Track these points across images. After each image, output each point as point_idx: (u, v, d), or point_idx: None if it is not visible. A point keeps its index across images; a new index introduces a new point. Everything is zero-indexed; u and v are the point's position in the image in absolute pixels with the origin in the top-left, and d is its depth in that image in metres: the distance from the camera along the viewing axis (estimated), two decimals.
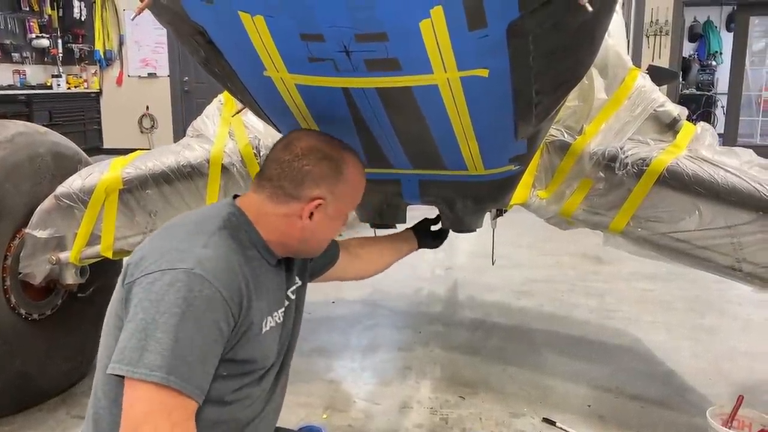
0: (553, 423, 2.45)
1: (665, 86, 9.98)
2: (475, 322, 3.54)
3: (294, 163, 1.40)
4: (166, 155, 2.55)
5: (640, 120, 2.35)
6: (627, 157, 2.28)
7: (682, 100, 11.89)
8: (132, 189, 2.46)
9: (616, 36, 2.43)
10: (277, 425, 1.70)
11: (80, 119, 10.52)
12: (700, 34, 13.46)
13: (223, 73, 1.51)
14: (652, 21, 9.97)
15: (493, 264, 3.19)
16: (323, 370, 2.94)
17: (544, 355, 3.11)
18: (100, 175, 2.46)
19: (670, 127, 2.37)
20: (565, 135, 2.40)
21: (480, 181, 2.01)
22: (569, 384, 2.79)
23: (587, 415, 2.52)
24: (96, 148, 10.34)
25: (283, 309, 1.49)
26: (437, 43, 1.21)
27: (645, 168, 2.25)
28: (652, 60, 9.84)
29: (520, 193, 2.49)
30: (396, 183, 2.07)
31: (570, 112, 2.41)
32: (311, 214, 1.41)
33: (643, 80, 2.40)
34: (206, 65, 1.53)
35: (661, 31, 9.91)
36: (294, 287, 1.58)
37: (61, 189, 2.43)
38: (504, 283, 4.19)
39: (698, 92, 12.65)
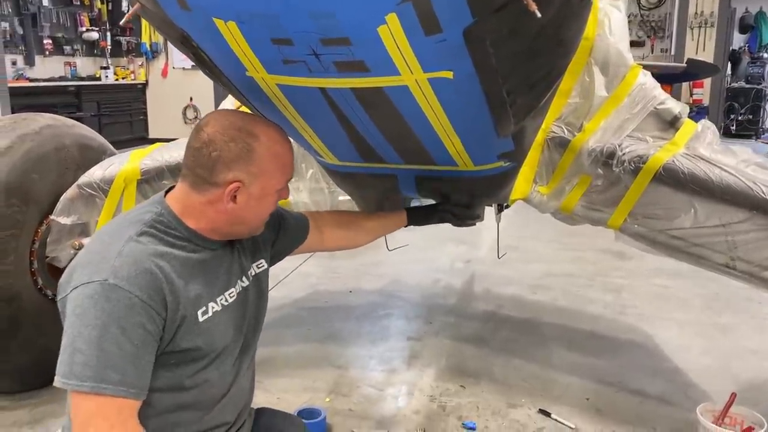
0: (548, 414, 2.50)
1: (707, 80, 9.75)
2: (487, 314, 3.59)
3: (203, 150, 1.41)
4: (182, 148, 2.67)
5: (640, 117, 2.37)
6: (624, 154, 2.30)
7: (730, 94, 11.59)
8: (149, 179, 2.60)
9: (617, 34, 2.44)
10: (264, 406, 1.81)
11: (127, 110, 10.88)
12: (751, 26, 13.05)
13: (213, 74, 1.61)
14: (696, 13, 9.75)
15: (499, 258, 3.23)
16: (333, 356, 3.04)
17: (551, 349, 3.15)
18: (120, 166, 2.61)
19: (671, 124, 2.38)
20: (565, 131, 2.44)
21: (472, 177, 2.06)
22: (572, 377, 2.83)
23: (585, 408, 2.56)
24: (142, 138, 10.70)
25: (233, 290, 1.53)
26: (398, 47, 1.28)
27: (642, 165, 2.27)
28: (696, 53, 9.63)
29: (521, 188, 2.54)
30: (392, 178, 2.13)
31: (571, 109, 2.45)
32: (234, 198, 1.41)
33: (644, 78, 2.41)
34: (200, 65, 1.64)
35: (705, 23, 9.69)
36: (251, 269, 1.62)
37: (83, 179, 2.58)
38: (522, 276, 4.22)
39: (747, 85, 12.29)
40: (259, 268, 1.66)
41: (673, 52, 10.39)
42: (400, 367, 2.94)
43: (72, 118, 3.15)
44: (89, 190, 2.58)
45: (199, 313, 1.42)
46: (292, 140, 2.41)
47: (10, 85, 8.10)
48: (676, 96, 9.66)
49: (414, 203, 2.50)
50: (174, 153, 2.65)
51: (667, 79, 7.34)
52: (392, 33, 1.23)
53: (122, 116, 10.72)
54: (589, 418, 2.49)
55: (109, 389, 1.24)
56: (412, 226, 2.22)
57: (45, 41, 9.70)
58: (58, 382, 1.26)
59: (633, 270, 4.35)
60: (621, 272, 4.33)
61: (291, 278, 4.00)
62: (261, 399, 2.60)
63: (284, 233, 1.81)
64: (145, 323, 1.29)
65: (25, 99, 8.24)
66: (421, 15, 1.19)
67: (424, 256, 4.57)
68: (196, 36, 1.42)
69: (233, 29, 1.30)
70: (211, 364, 1.46)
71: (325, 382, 2.77)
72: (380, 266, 4.33)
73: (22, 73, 9.12)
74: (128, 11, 1.50)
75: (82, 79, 10.20)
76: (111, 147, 2.98)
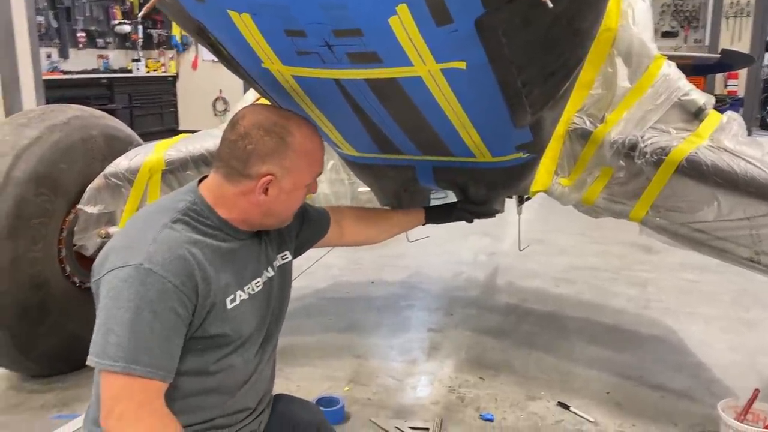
0: (567, 407, 2.49)
1: (742, 70, 9.52)
2: (509, 307, 3.58)
3: (238, 142, 1.44)
4: (206, 139, 2.72)
5: (663, 109, 2.34)
6: (646, 146, 2.28)
7: (767, 85, 11.30)
8: (173, 170, 2.65)
9: (641, 24, 2.40)
10: (282, 392, 1.84)
11: (158, 102, 11.03)
12: None
13: (231, 66, 1.64)
14: (732, 2, 9.52)
15: (520, 250, 3.22)
16: (353, 346, 3.06)
17: (573, 342, 3.12)
18: (145, 156, 2.65)
19: (696, 116, 2.35)
20: (587, 123, 2.42)
21: (491, 168, 2.06)
22: (593, 371, 2.81)
23: (604, 401, 2.55)
24: (172, 130, 10.84)
25: (260, 280, 1.56)
26: (410, 38, 1.28)
27: (664, 157, 2.24)
28: (731, 43, 9.42)
29: (542, 180, 2.52)
30: (410, 169, 2.14)
31: (593, 101, 2.43)
32: (266, 190, 1.45)
33: (668, 68, 2.38)
34: (218, 57, 1.66)
35: (741, 13, 9.46)
36: (276, 260, 1.65)
37: (109, 169, 2.64)
38: (546, 269, 4.19)
39: None
40: (284, 259, 1.69)
41: (707, 43, 10.17)
42: (420, 357, 2.96)
43: (104, 109, 3.22)
44: (115, 180, 2.63)
45: (228, 300, 1.46)
46: None
47: (44, 77, 8.29)
48: (710, 87, 9.46)
49: (435, 196, 2.51)
50: (197, 144, 2.69)
51: (701, 70, 7.18)
52: (403, 24, 1.24)
53: (153, 108, 10.87)
54: (609, 412, 2.47)
55: (139, 370, 1.28)
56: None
57: (79, 34, 9.89)
58: (90, 361, 1.30)
59: (659, 264, 4.29)
60: (647, 266, 4.28)
61: (314, 269, 4.03)
62: (281, 387, 2.64)
63: (307, 226, 1.84)
64: (177, 308, 1.33)
65: (59, 91, 8.41)
66: (432, 6, 1.19)
67: (447, 248, 4.57)
68: (212, 28, 1.44)
69: (247, 21, 1.32)
70: (236, 351, 1.50)
71: (344, 372, 2.80)
72: (403, 258, 4.34)
73: (56, 66, 9.32)
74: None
75: (114, 71, 10.38)
76: (138, 138, 3.04)
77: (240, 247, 1.52)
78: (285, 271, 1.69)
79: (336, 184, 2.74)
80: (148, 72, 11.01)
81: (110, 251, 1.39)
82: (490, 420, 2.41)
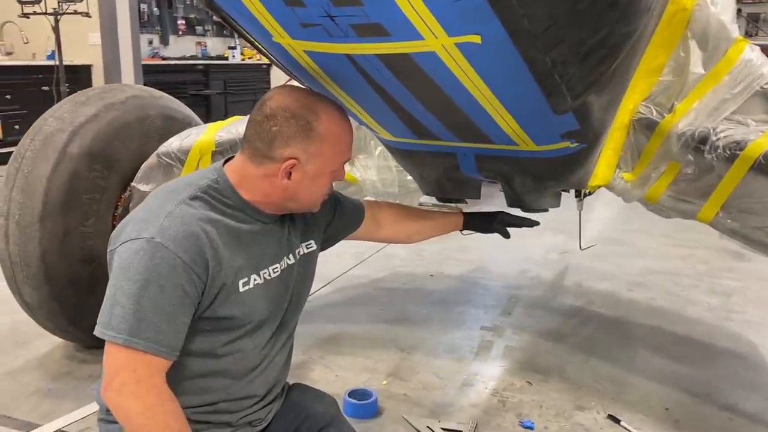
0: (617, 421, 2.29)
1: None
2: (573, 310, 3.37)
3: (264, 124, 1.41)
4: None
5: (742, 98, 2.09)
6: (719, 139, 2.05)
7: None
8: (223, 151, 2.64)
9: (720, 3, 2.16)
10: (300, 382, 1.78)
11: (251, 89, 11.28)
12: None
13: (250, 42, 1.58)
14: None
15: (581, 249, 3.01)
16: (400, 339, 2.97)
17: (636, 351, 2.89)
18: (197, 137, 2.66)
19: None
20: (654, 113, 2.20)
21: (536, 158, 1.91)
22: (653, 383, 2.58)
23: (661, 418, 2.33)
24: None
25: (278, 266, 1.51)
26: (413, 8, 1.17)
27: (738, 152, 2.01)
28: None
29: (603, 174, 2.34)
30: (451, 156, 2.02)
31: (662, 88, 2.21)
32: (289, 174, 1.42)
33: (750, 53, 2.12)
34: (236, 32, 1.61)
35: None
36: (300, 248, 1.60)
37: (162, 148, 2.67)
38: (620, 272, 3.94)
39: None
40: (308, 248, 1.65)
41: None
42: (467, 356, 2.82)
43: (200, 95, 3.28)
44: (167, 159, 2.65)
45: (240, 283, 1.43)
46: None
47: (144, 62, 8.67)
48: None
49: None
50: None
51: None
52: None
53: (247, 95, 11.13)
54: (665, 430, 2.25)
55: (141, 344, 1.27)
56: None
57: (179, 22, 10.27)
58: (97, 330, 1.31)
59: (749, 272, 3.93)
60: (735, 274, 3.93)
61: (374, 258, 3.98)
62: (319, 375, 2.61)
63: (339, 218, 1.79)
64: (185, 285, 1.32)
65: (158, 76, 8.74)
66: None
67: (516, 244, 4.32)
68: (218, 1, 1.39)
69: None
70: (247, 336, 1.47)
71: (386, 365, 2.71)
72: (467, 252, 4.19)
73: (156, 52, 9.72)
74: None
75: (211, 58, 10.70)
76: (197, 118, 3.06)
77: (260, 230, 1.49)
78: (308, 260, 1.65)
79: (383, 171, 2.65)
80: (243, 59, 11.28)
81: (128, 223, 1.39)
82: (530, 428, 2.26)
